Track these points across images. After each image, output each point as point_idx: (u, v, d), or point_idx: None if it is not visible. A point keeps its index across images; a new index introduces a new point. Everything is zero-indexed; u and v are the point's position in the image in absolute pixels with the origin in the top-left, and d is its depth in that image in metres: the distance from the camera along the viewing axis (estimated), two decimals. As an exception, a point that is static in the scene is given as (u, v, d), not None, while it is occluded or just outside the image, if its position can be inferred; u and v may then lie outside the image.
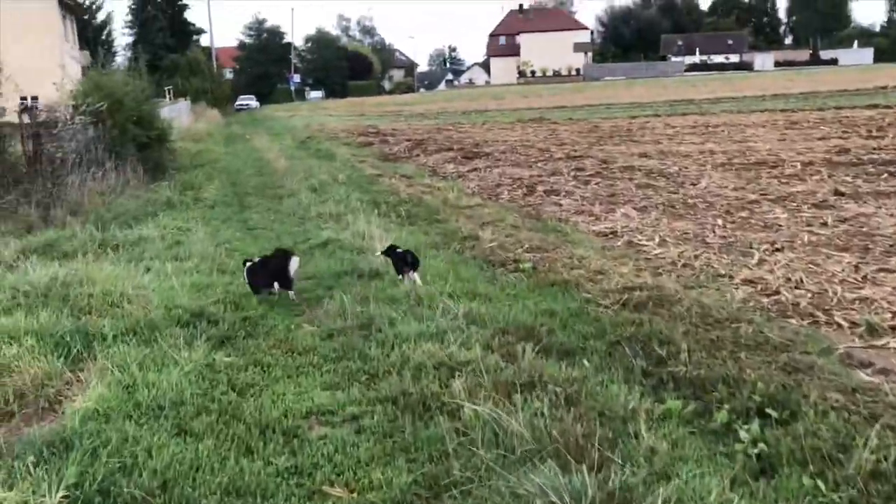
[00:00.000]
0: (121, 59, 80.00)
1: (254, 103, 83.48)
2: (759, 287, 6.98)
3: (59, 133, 12.67)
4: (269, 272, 7.13)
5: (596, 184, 14.15)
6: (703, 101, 43.68)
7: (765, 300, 6.58)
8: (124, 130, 14.70)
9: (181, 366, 4.76)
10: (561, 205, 12.31)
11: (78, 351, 5.04)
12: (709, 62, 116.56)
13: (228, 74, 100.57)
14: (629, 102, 46.20)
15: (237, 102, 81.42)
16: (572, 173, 15.72)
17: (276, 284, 7.05)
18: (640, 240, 9.46)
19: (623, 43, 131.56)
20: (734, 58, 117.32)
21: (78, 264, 7.04)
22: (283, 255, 7.30)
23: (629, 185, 13.74)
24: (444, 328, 5.54)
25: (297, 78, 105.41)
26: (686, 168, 15.61)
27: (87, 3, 65.60)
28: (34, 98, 22.03)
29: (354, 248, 9.03)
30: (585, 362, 5.16)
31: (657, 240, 9.34)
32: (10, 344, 5.01)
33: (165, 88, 39.71)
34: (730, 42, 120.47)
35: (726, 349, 5.25)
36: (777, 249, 8.40)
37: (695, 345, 5.31)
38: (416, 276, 7.22)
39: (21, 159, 12.18)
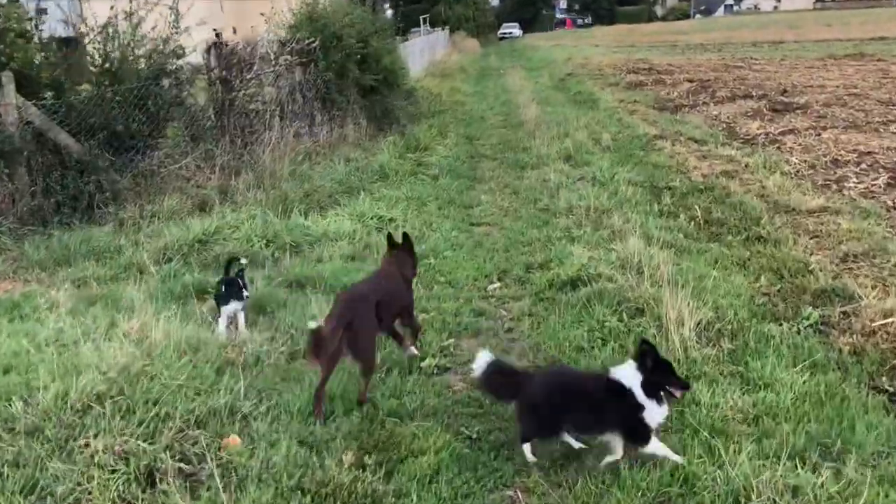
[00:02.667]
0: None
1: (517, 31, 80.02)
2: None
3: (256, 77, 10.10)
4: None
5: None
6: None
7: None
8: (342, 73, 11.91)
9: None
10: (966, 214, 7.55)
11: None
12: None
13: (494, 1, 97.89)
14: (978, 32, 36.43)
15: (500, 31, 78.51)
16: (956, 148, 10.52)
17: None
18: None
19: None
20: None
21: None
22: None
23: None
24: None
25: (563, 3, 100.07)
26: None
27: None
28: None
29: (623, 300, 5.30)
30: None
31: None
32: None
33: (420, 17, 37.43)
34: None
35: None
36: None
37: None
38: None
39: (207, 111, 9.78)
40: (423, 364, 4.55)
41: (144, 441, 3.18)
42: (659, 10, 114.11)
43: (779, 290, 5.62)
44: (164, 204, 8.25)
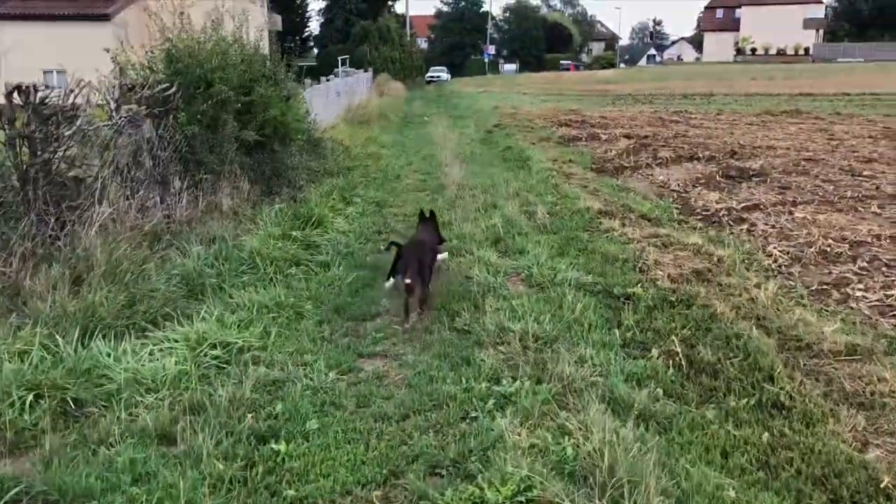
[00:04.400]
0: (314, 24, 78.46)
1: (445, 75, 78.74)
2: None
3: (82, 133, 7.51)
4: None
5: None
6: None
7: None
8: (214, 126, 9.43)
9: None
10: None
11: None
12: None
13: (423, 44, 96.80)
14: (903, 92, 36.28)
15: (428, 74, 77.12)
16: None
17: None
18: None
19: (860, 20, 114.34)
20: None
21: None
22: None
23: None
24: None
25: (491, 49, 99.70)
26: None
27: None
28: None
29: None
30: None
31: None
32: None
33: (339, 59, 35.13)
34: None
35: None
36: None
37: None
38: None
39: (7, 179, 7.14)
40: None
41: None
42: (585, 58, 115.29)
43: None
44: None
